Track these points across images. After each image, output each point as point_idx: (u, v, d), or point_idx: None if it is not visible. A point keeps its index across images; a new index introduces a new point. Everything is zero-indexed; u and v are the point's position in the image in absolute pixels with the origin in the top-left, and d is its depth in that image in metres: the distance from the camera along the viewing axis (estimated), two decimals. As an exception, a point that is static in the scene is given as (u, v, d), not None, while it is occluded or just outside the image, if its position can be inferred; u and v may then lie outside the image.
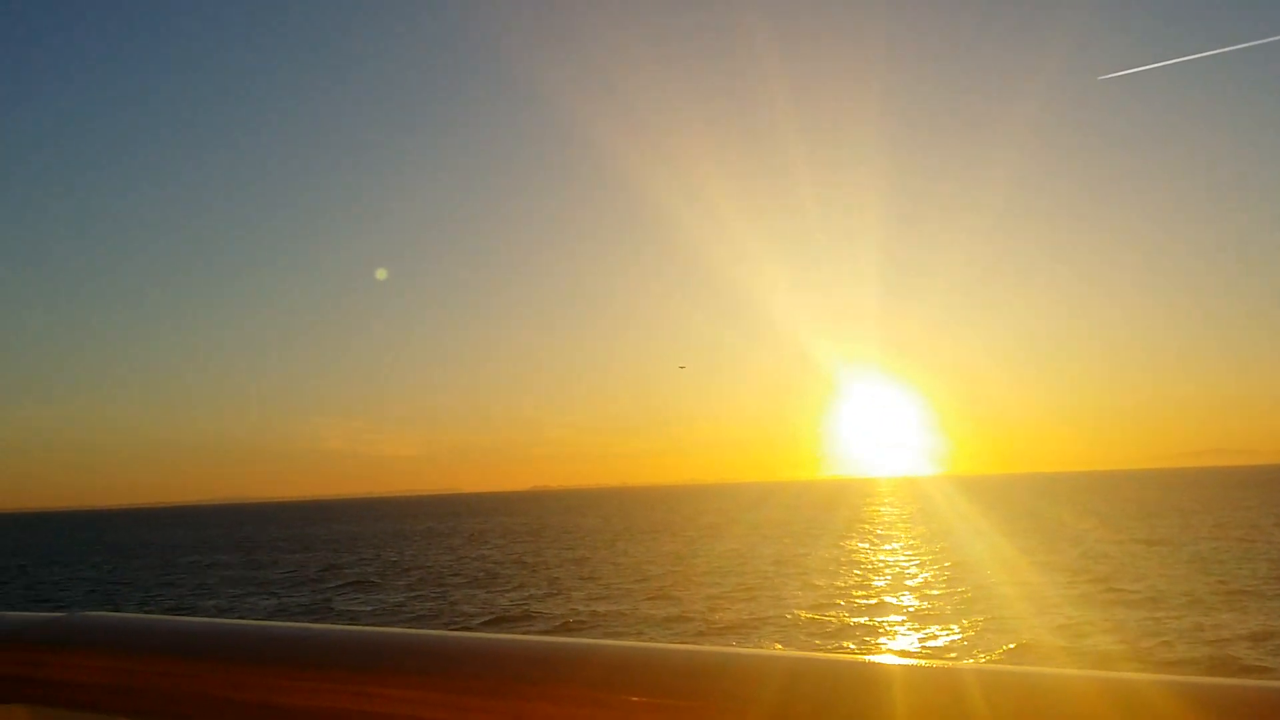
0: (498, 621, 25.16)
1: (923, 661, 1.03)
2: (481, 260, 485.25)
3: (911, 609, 25.53)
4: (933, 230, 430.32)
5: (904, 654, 19.05)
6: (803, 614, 24.58)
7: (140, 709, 1.35)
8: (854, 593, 29.10)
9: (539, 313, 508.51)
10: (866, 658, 1.05)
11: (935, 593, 28.52)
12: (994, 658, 18.69)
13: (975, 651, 19.67)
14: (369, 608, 29.09)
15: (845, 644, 20.95)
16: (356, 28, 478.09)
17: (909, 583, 31.68)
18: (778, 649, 1.06)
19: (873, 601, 27.02)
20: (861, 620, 23.72)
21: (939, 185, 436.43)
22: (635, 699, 1.04)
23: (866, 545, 49.75)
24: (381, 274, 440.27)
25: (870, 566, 37.73)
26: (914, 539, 52.92)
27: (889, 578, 33.11)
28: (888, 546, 48.35)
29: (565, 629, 23.46)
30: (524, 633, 18.54)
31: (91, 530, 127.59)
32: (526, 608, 27.19)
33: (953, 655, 19.08)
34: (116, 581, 42.95)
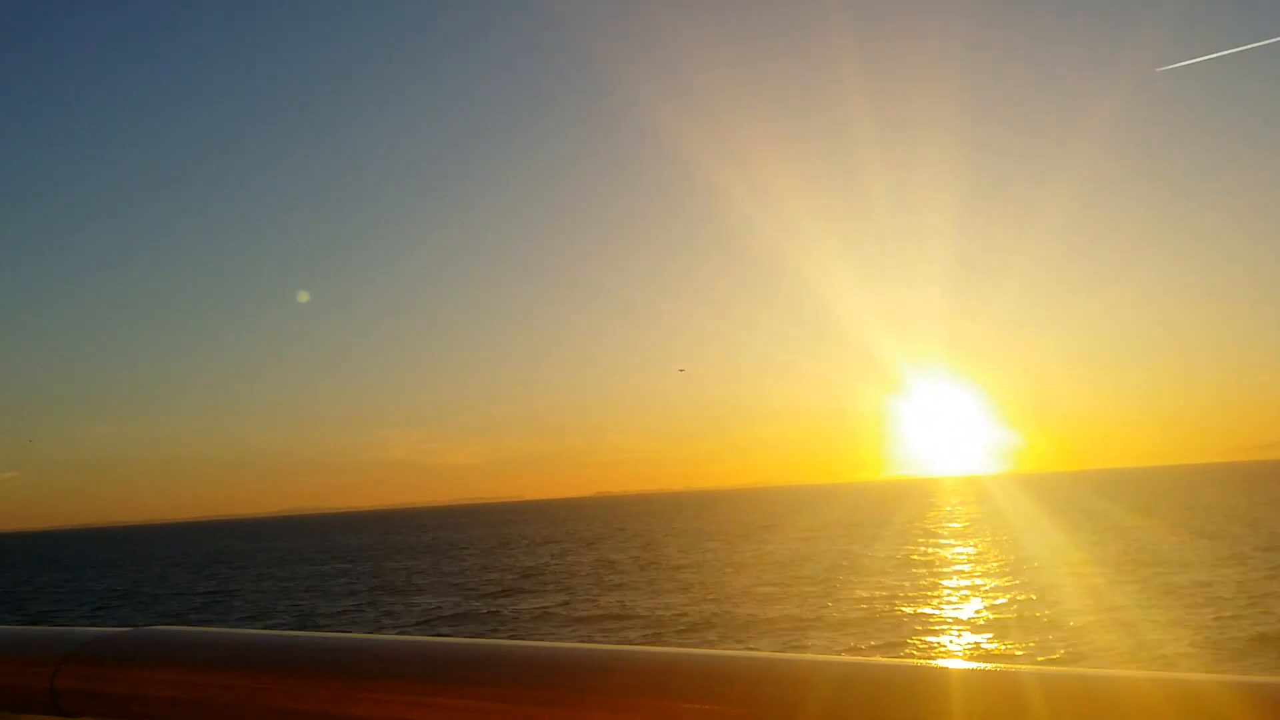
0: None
1: (977, 664, 1.02)
2: (542, 266, 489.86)
3: (971, 609, 25.83)
4: (1003, 229, 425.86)
5: (957, 656, 19.35)
6: (861, 613, 25.64)
7: None
8: (912, 592, 29.71)
9: (600, 317, 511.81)
10: (919, 661, 1.04)
11: (994, 591, 28.85)
12: (1051, 661, 18.79)
13: (1035, 655, 19.62)
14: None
15: (904, 645, 21.52)
16: (437, 25, 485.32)
17: (969, 582, 32.02)
18: (835, 655, 0.98)
19: (931, 601, 27.51)
20: (921, 620, 24.26)
21: (1011, 183, 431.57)
22: (694, 706, 1.03)
23: (928, 544, 50.32)
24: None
25: (930, 565, 38.44)
26: (976, 538, 53.08)
27: (949, 577, 33.52)
28: (949, 545, 48.80)
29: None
30: (590, 640, 20.28)
31: (203, 541, 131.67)
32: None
33: (1011, 658, 19.58)
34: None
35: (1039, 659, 19.39)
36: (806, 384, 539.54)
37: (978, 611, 26.32)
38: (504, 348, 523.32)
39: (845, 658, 1.04)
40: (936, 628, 23.90)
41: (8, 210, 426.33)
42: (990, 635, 22.63)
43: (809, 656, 1.04)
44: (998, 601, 27.59)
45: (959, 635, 23.01)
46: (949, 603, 28.35)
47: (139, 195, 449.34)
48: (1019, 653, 20.66)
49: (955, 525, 69.46)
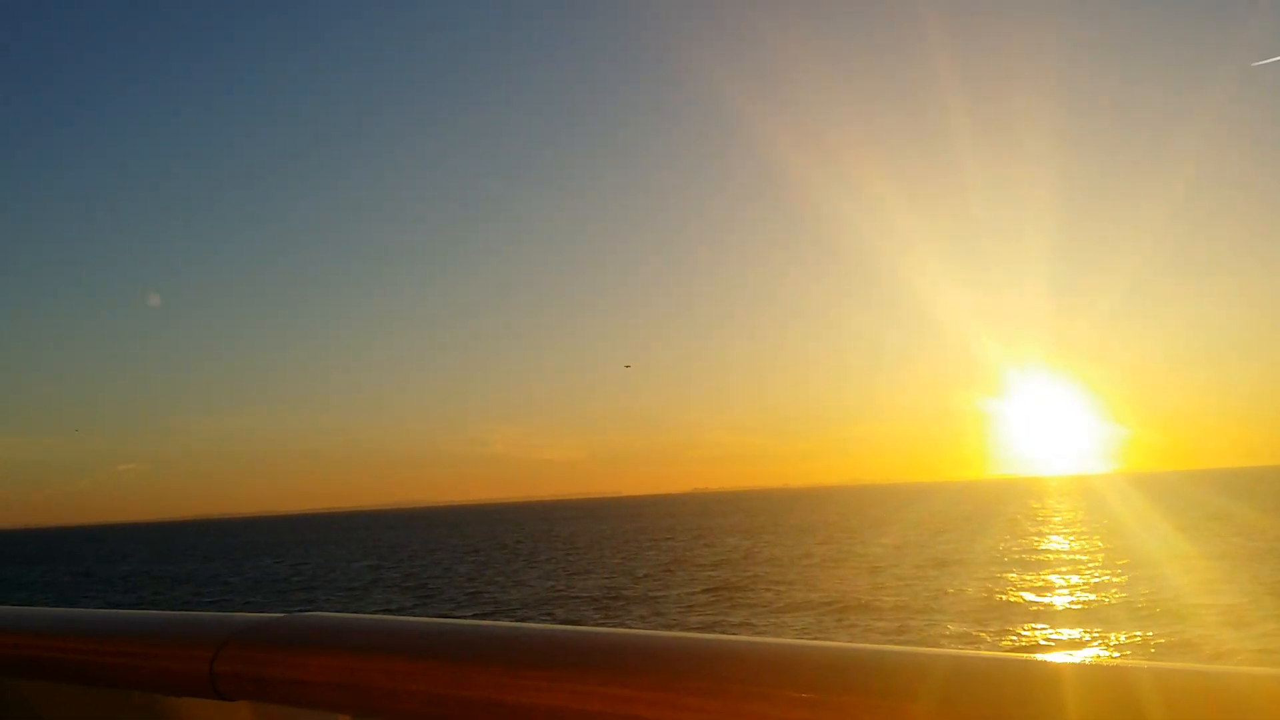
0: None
1: (1089, 659, 1.01)
2: (639, 263, 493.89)
3: (1084, 609, 25.97)
4: (1105, 224, 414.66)
5: (1069, 651, 19.74)
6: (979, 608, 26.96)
7: (360, 706, 1.39)
8: (1024, 589, 30.19)
9: (697, 314, 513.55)
10: (1031, 656, 1.04)
11: (1109, 589, 29.20)
12: (1166, 658, 19.94)
13: (1152, 654, 19.32)
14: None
15: (1015, 639, 22.02)
16: (526, 28, 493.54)
17: (1081, 581, 32.27)
18: (970, 649, 1.09)
19: (1043, 599, 27.80)
20: (1034, 619, 24.55)
21: (1115, 179, 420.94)
22: (846, 699, 1.03)
23: (1036, 542, 50.65)
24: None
25: (1041, 564, 39.01)
26: (1086, 536, 52.86)
27: (1061, 576, 33.75)
28: (1058, 544, 49.04)
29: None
30: (753, 632, 22.43)
31: (337, 530, 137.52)
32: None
33: (1124, 655, 19.99)
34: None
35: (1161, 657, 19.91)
36: (906, 382, 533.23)
37: (1102, 603, 27.20)
38: (603, 343, 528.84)
39: (985, 652, 1.05)
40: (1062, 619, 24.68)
41: (126, 213, 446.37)
42: (1111, 628, 23.32)
43: (955, 651, 1.04)
44: (1116, 597, 28.45)
45: (1087, 627, 23.91)
46: (1071, 596, 29.67)
47: (250, 191, 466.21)
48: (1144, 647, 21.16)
49: (1068, 522, 69.56)
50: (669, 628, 23.60)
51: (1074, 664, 1.01)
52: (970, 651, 1.07)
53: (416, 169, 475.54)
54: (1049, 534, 57.92)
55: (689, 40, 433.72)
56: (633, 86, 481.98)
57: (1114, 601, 27.24)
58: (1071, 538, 53.65)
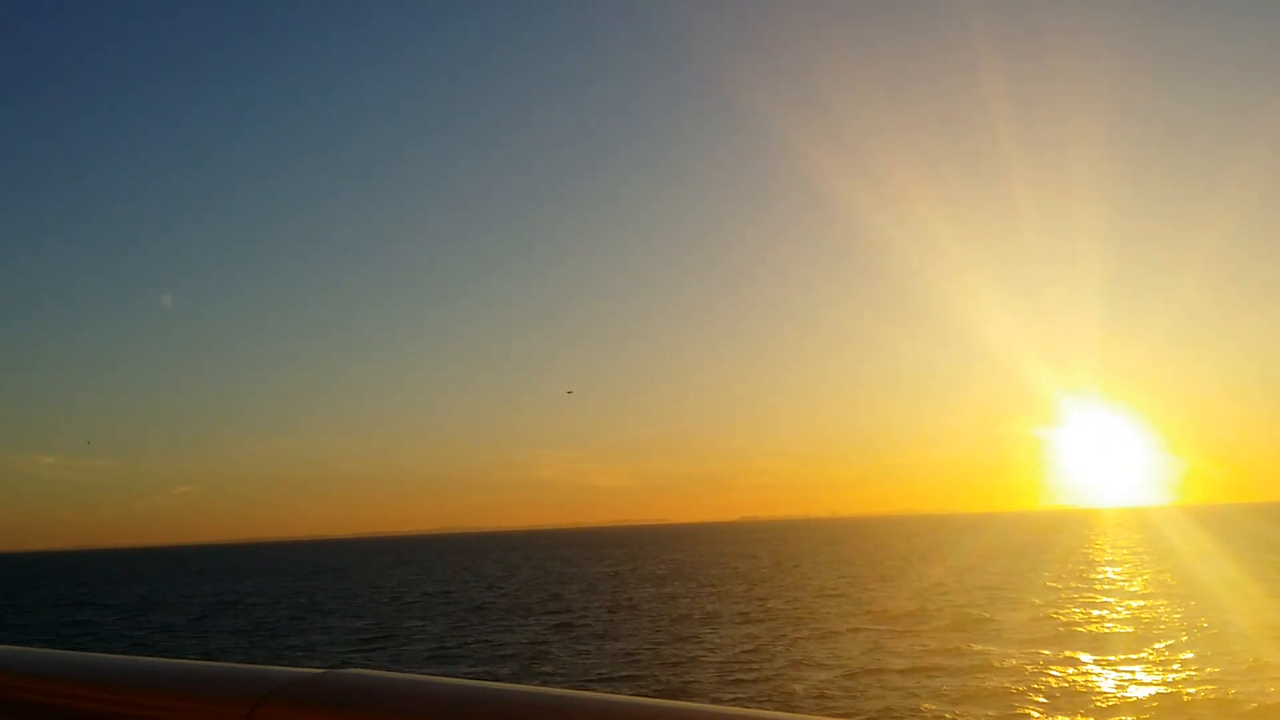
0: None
1: None
2: (685, 289, 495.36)
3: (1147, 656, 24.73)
4: (1162, 248, 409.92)
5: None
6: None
7: None
8: (1079, 632, 29.03)
9: (746, 341, 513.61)
10: None
11: (1168, 632, 28.03)
12: None
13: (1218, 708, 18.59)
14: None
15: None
16: (572, 52, 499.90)
17: (1140, 621, 31.34)
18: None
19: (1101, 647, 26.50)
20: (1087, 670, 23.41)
21: (1171, 203, 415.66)
22: None
23: (1091, 580, 50.73)
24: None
25: (1097, 604, 39.18)
26: (1144, 578, 51.91)
27: (1118, 617, 32.91)
28: (1116, 579, 49.18)
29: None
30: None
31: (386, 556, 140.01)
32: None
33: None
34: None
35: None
36: (957, 410, 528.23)
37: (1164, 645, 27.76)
38: (652, 369, 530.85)
39: None
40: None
41: (184, 243, 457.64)
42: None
43: None
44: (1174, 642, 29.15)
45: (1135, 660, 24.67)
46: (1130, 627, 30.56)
47: (301, 219, 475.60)
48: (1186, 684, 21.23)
49: (1127, 555, 69.68)
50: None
51: None
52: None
53: (466, 192, 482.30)
54: (1110, 565, 58.30)
55: (736, 65, 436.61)
56: (681, 113, 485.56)
57: (1172, 636, 27.83)
58: (1131, 570, 54.05)
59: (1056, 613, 33.36)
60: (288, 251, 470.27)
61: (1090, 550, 79.35)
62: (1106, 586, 44.35)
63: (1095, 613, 33.70)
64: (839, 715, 18.17)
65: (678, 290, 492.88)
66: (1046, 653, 25.25)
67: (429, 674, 1.56)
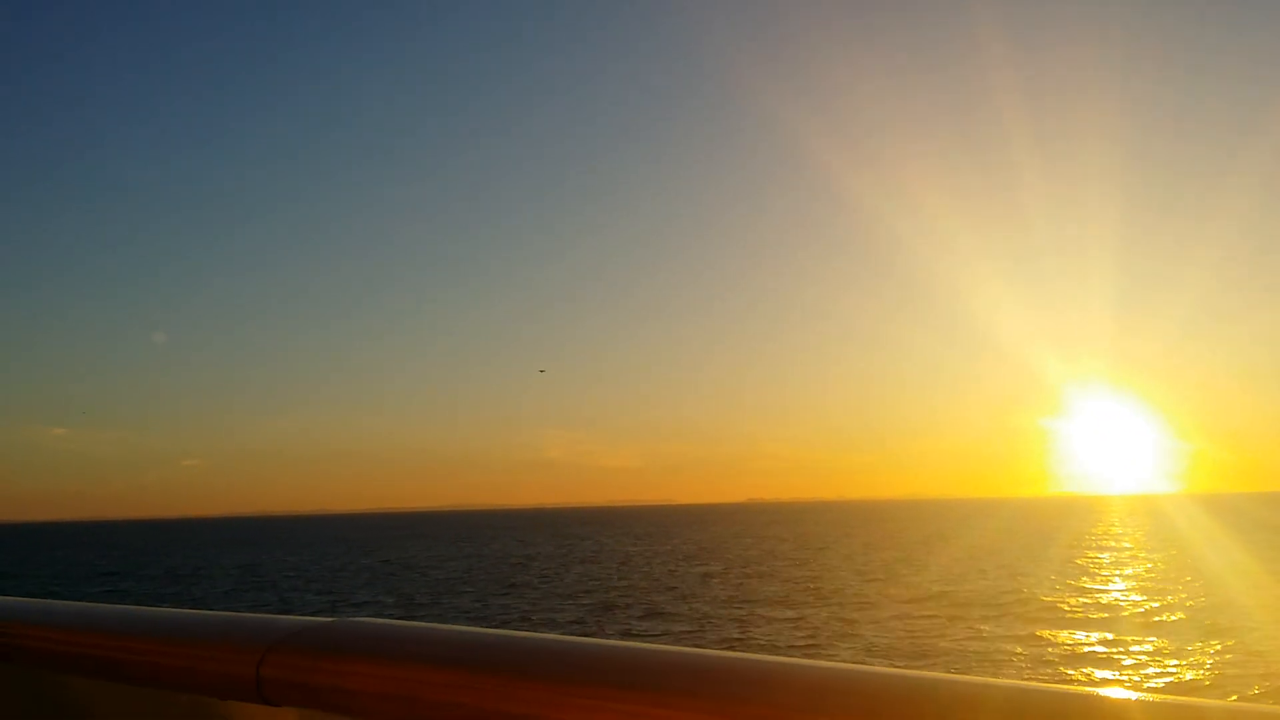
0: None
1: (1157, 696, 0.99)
2: (694, 274, 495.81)
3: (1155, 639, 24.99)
4: (1172, 239, 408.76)
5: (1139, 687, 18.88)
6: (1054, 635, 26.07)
7: (405, 716, 1.37)
8: (1090, 618, 29.08)
9: (755, 326, 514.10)
10: (1094, 689, 1.02)
11: (1177, 619, 28.07)
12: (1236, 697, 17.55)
13: (1224, 691, 18.78)
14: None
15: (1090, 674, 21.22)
16: (580, 43, 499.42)
17: (1146, 609, 31.27)
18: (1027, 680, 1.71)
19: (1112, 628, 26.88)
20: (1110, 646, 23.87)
21: (1180, 193, 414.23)
22: None
23: (1101, 564, 51.36)
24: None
25: (1106, 590, 38.61)
26: (1153, 559, 52.40)
27: (1126, 602, 33.06)
28: (1125, 569, 49.04)
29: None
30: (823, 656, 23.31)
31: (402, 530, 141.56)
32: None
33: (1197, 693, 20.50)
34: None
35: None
36: (966, 397, 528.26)
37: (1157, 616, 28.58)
38: (660, 353, 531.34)
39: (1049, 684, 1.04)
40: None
41: (185, 212, 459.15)
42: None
43: (1018, 682, 1.04)
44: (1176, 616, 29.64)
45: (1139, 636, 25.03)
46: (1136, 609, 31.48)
47: (306, 192, 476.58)
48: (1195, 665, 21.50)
49: (1132, 540, 70.60)
50: None
51: (1133, 700, 0.98)
52: (1032, 683, 1.04)
53: (474, 173, 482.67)
54: (1117, 550, 59.21)
55: (742, 56, 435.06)
56: (690, 102, 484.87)
57: (1177, 615, 28.66)
58: (1140, 554, 55.00)
59: (1101, 597, 34.19)
60: (301, 229, 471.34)
61: (1102, 534, 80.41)
62: (1126, 570, 45.39)
63: (1127, 597, 34.69)
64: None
65: (688, 276, 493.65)
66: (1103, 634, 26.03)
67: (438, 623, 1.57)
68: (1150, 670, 21.10)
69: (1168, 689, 19.03)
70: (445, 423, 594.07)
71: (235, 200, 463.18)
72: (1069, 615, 29.25)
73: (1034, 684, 1.02)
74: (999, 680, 1.05)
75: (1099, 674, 20.68)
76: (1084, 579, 40.11)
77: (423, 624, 1.53)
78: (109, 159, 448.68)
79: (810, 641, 24.78)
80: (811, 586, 38.56)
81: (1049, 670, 21.12)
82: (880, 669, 1.13)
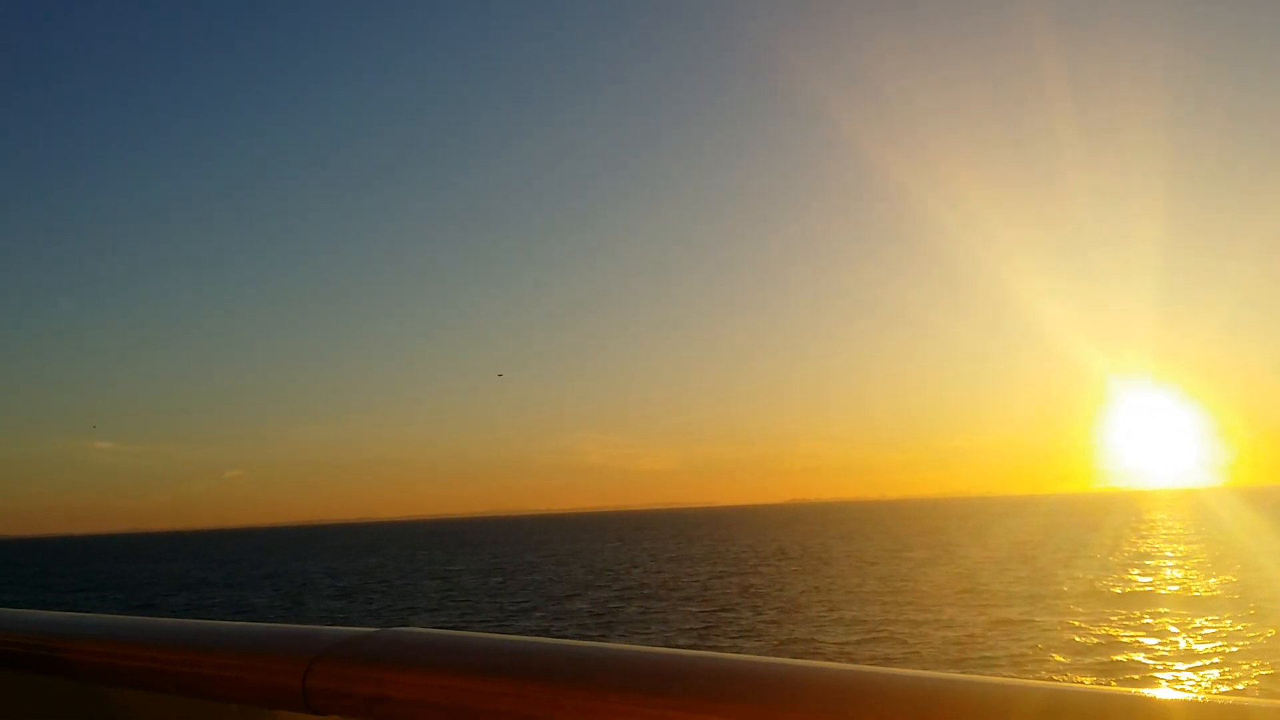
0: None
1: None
2: (732, 274, 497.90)
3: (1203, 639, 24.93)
4: (1219, 233, 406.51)
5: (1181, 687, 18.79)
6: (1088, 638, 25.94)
7: None
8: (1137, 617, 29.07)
9: (794, 325, 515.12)
10: (1138, 690, 1.02)
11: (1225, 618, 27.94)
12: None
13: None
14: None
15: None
16: (622, 34, 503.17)
17: (1192, 603, 31.42)
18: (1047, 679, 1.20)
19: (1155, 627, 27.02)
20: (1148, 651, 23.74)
21: (1227, 186, 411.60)
22: None
23: (1147, 559, 52.15)
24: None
25: (1153, 583, 38.95)
26: (1197, 553, 52.84)
27: (1171, 596, 33.28)
28: (1171, 562, 49.18)
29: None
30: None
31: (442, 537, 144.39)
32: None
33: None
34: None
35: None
36: (1007, 393, 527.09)
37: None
38: (699, 354, 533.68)
39: (1063, 684, 1.05)
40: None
41: (227, 221, 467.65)
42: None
43: (1023, 681, 1.06)
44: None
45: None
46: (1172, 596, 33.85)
47: (347, 199, 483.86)
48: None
49: (1177, 534, 72.82)
50: None
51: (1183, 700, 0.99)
52: (1068, 685, 1.06)
53: (510, 176, 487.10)
54: (1172, 542, 61.40)
55: (786, 47, 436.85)
56: (733, 95, 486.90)
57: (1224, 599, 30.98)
58: (1186, 546, 57.29)
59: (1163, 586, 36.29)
60: (337, 236, 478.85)
61: (1149, 528, 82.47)
62: (1174, 561, 47.99)
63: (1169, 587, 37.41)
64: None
65: (726, 276, 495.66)
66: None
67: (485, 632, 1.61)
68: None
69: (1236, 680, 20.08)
70: (485, 429, 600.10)
71: (274, 211, 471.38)
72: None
73: (1065, 685, 1.05)
74: (1025, 681, 1.06)
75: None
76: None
77: (466, 633, 1.56)
78: (151, 174, 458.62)
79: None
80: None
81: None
82: (919, 672, 1.15)
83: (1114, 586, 36.59)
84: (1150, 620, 28.10)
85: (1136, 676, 20.88)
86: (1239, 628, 25.80)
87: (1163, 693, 0.98)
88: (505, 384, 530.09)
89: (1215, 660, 22.18)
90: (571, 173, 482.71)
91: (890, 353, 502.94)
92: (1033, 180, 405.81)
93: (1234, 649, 23.33)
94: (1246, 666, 21.35)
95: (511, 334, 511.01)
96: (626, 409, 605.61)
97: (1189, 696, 0.97)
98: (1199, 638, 25.12)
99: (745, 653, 16.64)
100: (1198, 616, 28.31)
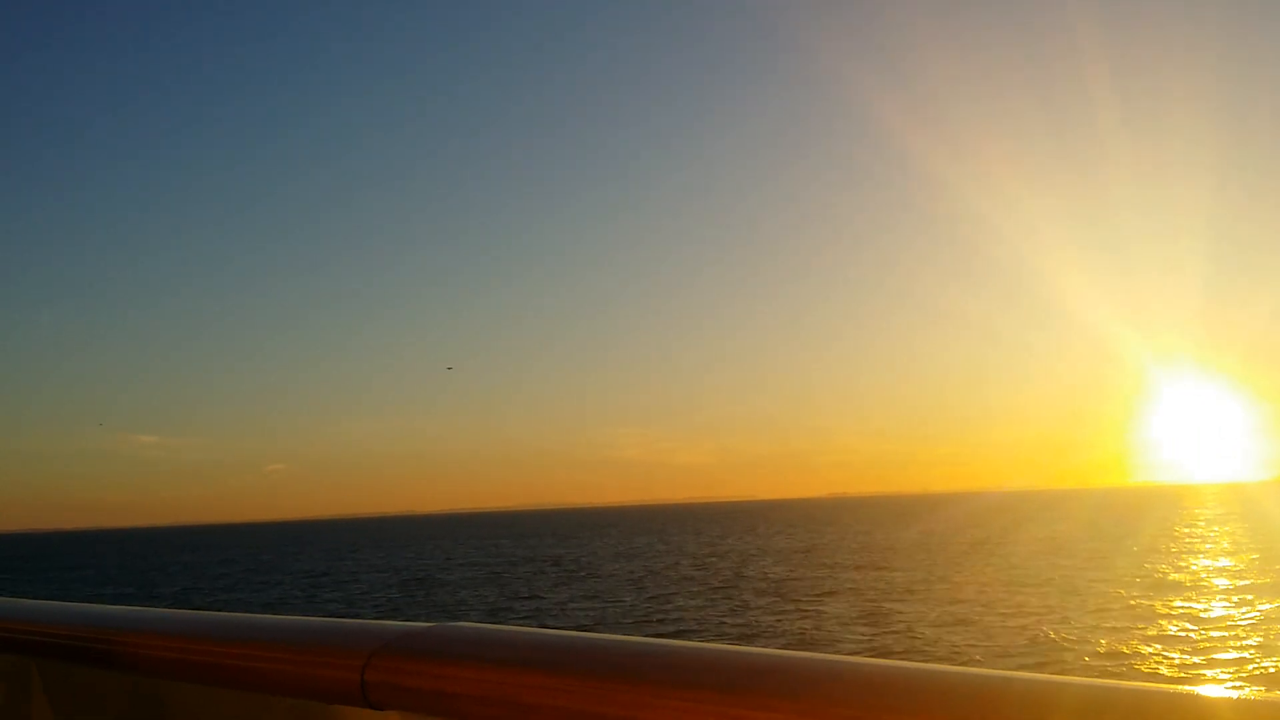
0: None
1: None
2: (771, 266, 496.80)
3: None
4: (1267, 222, 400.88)
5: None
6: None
7: (508, 719, 1.39)
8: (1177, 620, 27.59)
9: (832, 318, 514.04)
10: (1176, 686, 1.01)
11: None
12: None
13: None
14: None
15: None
16: (661, 29, 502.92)
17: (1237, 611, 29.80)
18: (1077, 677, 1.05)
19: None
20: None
21: (1275, 173, 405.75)
22: None
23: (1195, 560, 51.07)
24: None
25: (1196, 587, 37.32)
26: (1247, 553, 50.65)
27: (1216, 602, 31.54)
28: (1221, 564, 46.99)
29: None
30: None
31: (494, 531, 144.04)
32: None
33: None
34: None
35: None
36: (1048, 385, 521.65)
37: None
38: (737, 348, 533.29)
39: (1097, 680, 1.04)
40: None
41: (266, 218, 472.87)
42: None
43: (1059, 678, 1.06)
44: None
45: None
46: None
47: (383, 196, 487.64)
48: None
49: (1221, 530, 72.15)
50: None
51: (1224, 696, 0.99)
52: (1107, 681, 1.04)
53: (552, 168, 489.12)
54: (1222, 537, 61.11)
55: (824, 38, 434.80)
56: (770, 88, 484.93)
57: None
58: (1235, 540, 57.20)
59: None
60: (381, 233, 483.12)
61: (1202, 521, 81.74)
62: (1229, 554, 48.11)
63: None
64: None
65: (761, 266, 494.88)
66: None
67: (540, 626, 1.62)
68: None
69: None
70: (523, 424, 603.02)
71: (317, 208, 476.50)
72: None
73: (1107, 681, 1.04)
74: (1075, 679, 1.06)
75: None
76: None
77: (521, 628, 1.58)
78: (182, 176, 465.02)
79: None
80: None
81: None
82: (967, 669, 1.14)
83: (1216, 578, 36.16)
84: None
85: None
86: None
87: (1206, 689, 0.98)
88: (545, 379, 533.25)
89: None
90: (613, 168, 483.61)
91: (929, 346, 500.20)
92: (1076, 169, 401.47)
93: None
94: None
95: (551, 328, 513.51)
96: (664, 403, 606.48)
97: (1235, 694, 0.97)
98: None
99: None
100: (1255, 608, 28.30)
